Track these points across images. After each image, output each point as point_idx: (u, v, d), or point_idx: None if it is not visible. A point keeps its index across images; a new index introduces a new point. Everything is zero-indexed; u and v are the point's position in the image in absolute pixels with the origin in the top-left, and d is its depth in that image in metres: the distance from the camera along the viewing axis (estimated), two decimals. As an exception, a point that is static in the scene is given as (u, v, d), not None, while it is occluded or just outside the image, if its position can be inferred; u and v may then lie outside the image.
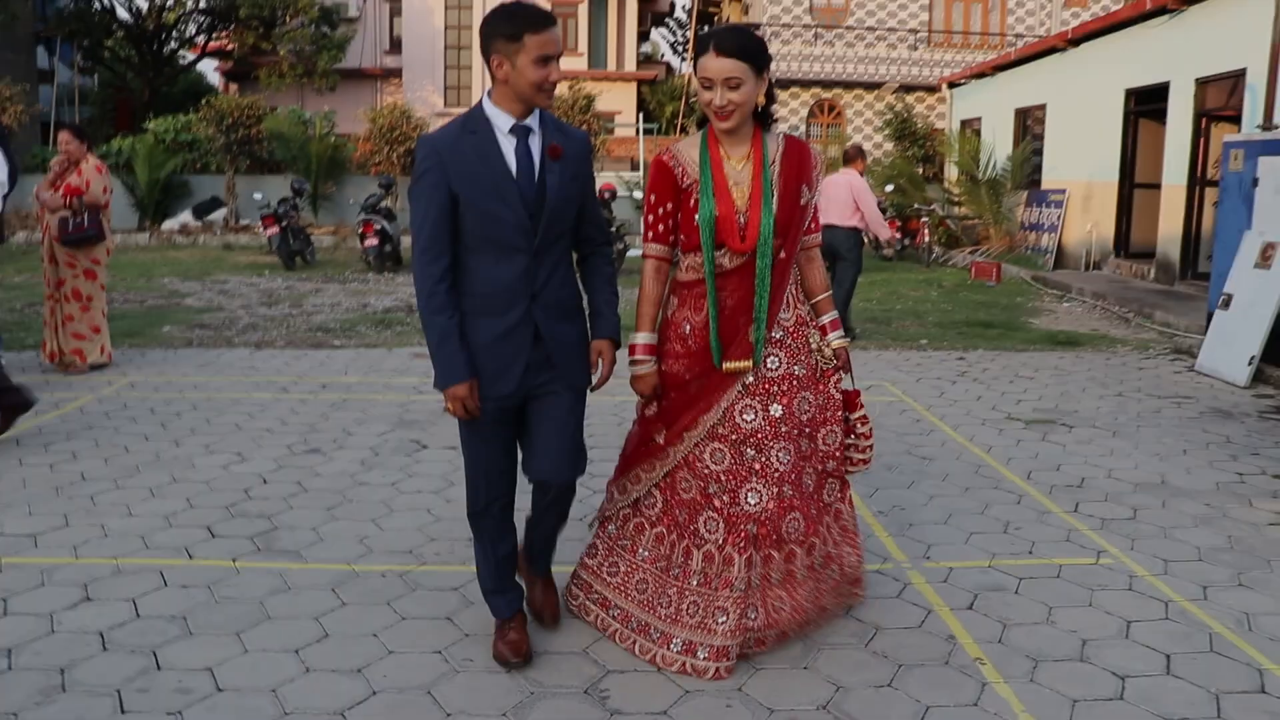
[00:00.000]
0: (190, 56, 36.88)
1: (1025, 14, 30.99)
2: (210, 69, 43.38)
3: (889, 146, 28.74)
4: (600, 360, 3.64)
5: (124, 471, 5.87)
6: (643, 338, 3.68)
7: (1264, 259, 9.00)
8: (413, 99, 34.55)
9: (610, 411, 7.31)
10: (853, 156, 10.94)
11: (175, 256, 19.73)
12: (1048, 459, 6.45)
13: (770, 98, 3.56)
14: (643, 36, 45.05)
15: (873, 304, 13.73)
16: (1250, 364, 8.74)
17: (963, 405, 7.92)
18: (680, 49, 53.33)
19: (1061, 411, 7.74)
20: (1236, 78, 13.72)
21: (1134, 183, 17.42)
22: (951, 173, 24.35)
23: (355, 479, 5.82)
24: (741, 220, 3.50)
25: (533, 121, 3.42)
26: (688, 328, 3.64)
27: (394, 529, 5.04)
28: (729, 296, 3.56)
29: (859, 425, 3.87)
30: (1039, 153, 20.95)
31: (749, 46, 3.43)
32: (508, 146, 3.38)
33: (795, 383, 3.65)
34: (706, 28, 42.90)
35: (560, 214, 3.45)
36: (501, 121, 3.39)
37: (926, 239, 20.27)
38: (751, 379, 3.59)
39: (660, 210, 3.62)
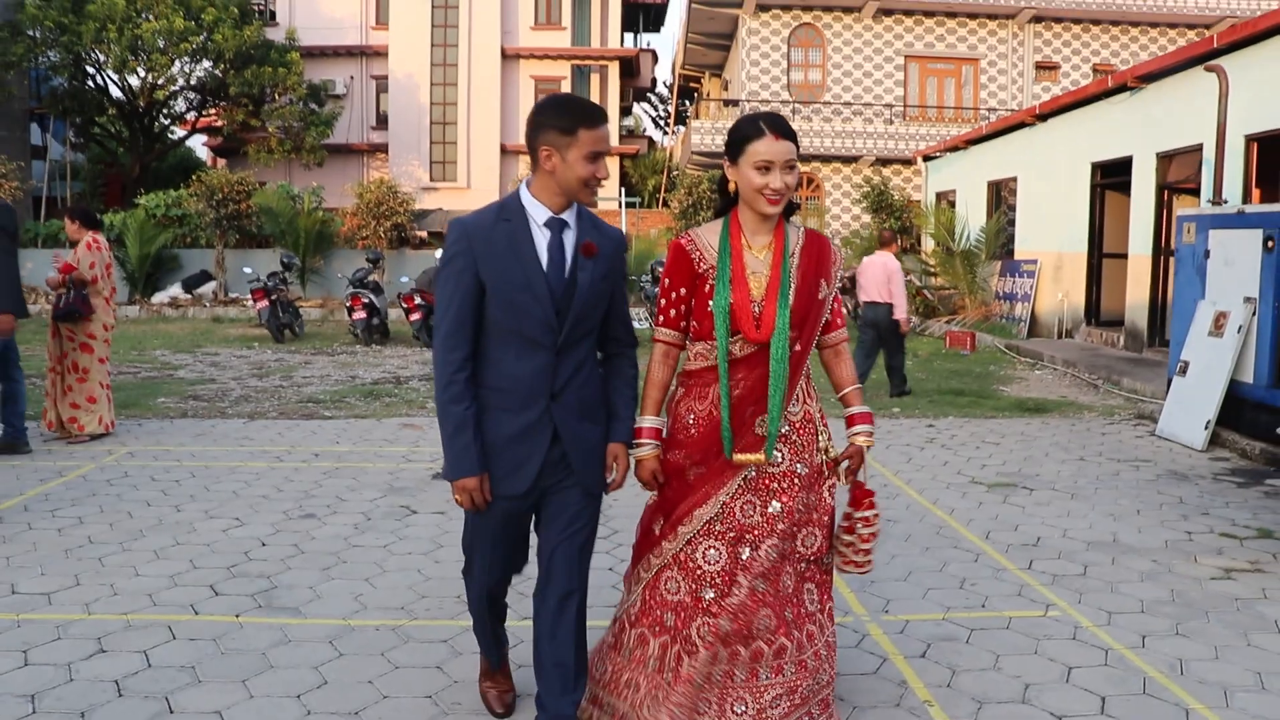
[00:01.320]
0: (180, 132, 37.47)
1: (997, 88, 31.80)
2: (199, 144, 44.01)
3: (866, 219, 29.35)
4: (615, 464, 3.56)
5: (129, 535, 6.17)
6: (647, 422, 3.60)
7: (1217, 327, 9.42)
8: (398, 174, 35.21)
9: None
10: (888, 240, 12.39)
11: (166, 329, 20.08)
12: (1007, 520, 6.80)
13: (805, 180, 3.62)
14: (625, 111, 45.92)
15: (848, 373, 14.09)
16: (1206, 428, 9.13)
17: (929, 470, 8.27)
18: (662, 123, 54.24)
19: (1023, 475, 8.10)
20: (1195, 152, 14.26)
21: (1102, 253, 17.98)
22: (928, 244, 24.93)
23: (349, 541, 6.12)
24: (756, 310, 3.42)
25: (569, 216, 3.39)
26: (691, 417, 3.54)
27: (386, 587, 5.35)
28: (737, 385, 3.47)
29: (860, 526, 3.67)
30: (1011, 224, 21.54)
31: (792, 130, 3.45)
32: (541, 239, 3.35)
33: (797, 481, 3.52)
34: (688, 103, 44.03)
35: (588, 313, 3.39)
36: (538, 213, 3.36)
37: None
38: (753, 473, 3.49)
39: (674, 295, 3.55)
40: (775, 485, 3.50)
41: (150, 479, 7.59)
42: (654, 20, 47.14)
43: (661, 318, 3.59)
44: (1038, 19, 31.41)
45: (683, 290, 3.54)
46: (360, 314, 17.64)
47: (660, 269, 17.73)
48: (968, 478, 8.01)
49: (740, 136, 3.43)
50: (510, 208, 3.37)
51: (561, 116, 3.27)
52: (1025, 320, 19.77)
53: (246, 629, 4.73)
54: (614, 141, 38.56)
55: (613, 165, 38.08)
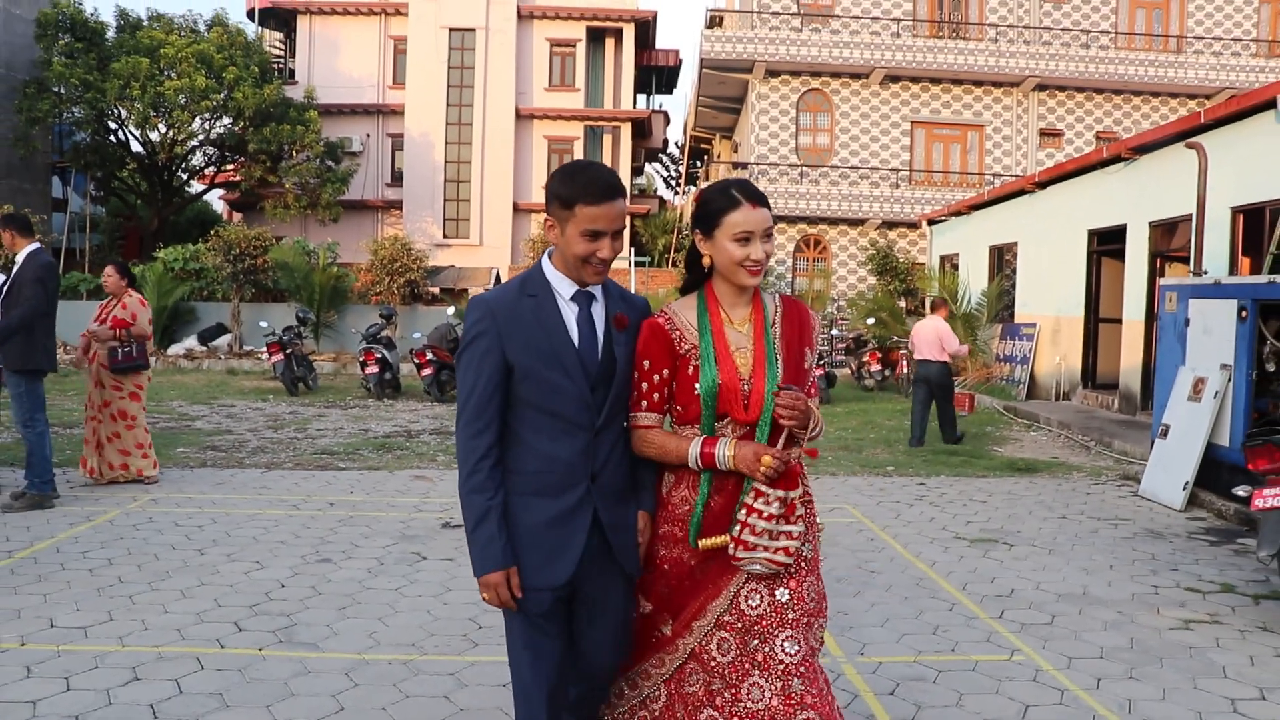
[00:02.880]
0: (199, 187, 38.28)
1: (1002, 154, 32.39)
2: (215, 198, 44.85)
3: (872, 280, 29.89)
4: (641, 536, 3.29)
5: (156, 575, 6.58)
6: None
7: (1195, 392, 9.82)
8: (412, 230, 35.88)
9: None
10: (938, 305, 14.44)
11: (181, 380, 20.56)
12: (984, 573, 7.17)
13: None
14: (637, 171, 46.67)
15: (847, 433, 14.53)
16: (1185, 489, 9.50)
17: (915, 526, 8.65)
18: (674, 183, 55.03)
19: (1005, 531, 8.48)
20: (1184, 222, 14.73)
21: (1099, 317, 18.39)
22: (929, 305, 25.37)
23: (363, 584, 6.53)
24: (745, 389, 3.17)
25: (596, 289, 3.22)
26: (687, 509, 3.22)
27: (398, 625, 5.75)
28: (729, 474, 3.16)
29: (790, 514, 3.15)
30: (1012, 288, 22.00)
31: (765, 196, 3.26)
32: (569, 313, 3.16)
33: (804, 564, 3.19)
34: (699, 163, 44.75)
35: (623, 389, 3.23)
36: (564, 287, 3.17)
37: (905, 370, 21.13)
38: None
39: (655, 378, 3.25)
40: (783, 570, 3.14)
41: (174, 524, 8.01)
42: (666, 82, 48.03)
43: (644, 402, 3.26)
44: (1041, 87, 32.03)
45: (665, 372, 3.26)
46: (373, 369, 18.10)
47: None
48: (952, 533, 8.38)
49: (714, 209, 3.21)
50: (534, 281, 3.18)
51: (564, 186, 3.08)
52: (1024, 382, 20.16)
53: (269, 661, 5.13)
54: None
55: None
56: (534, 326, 3.09)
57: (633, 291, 3.89)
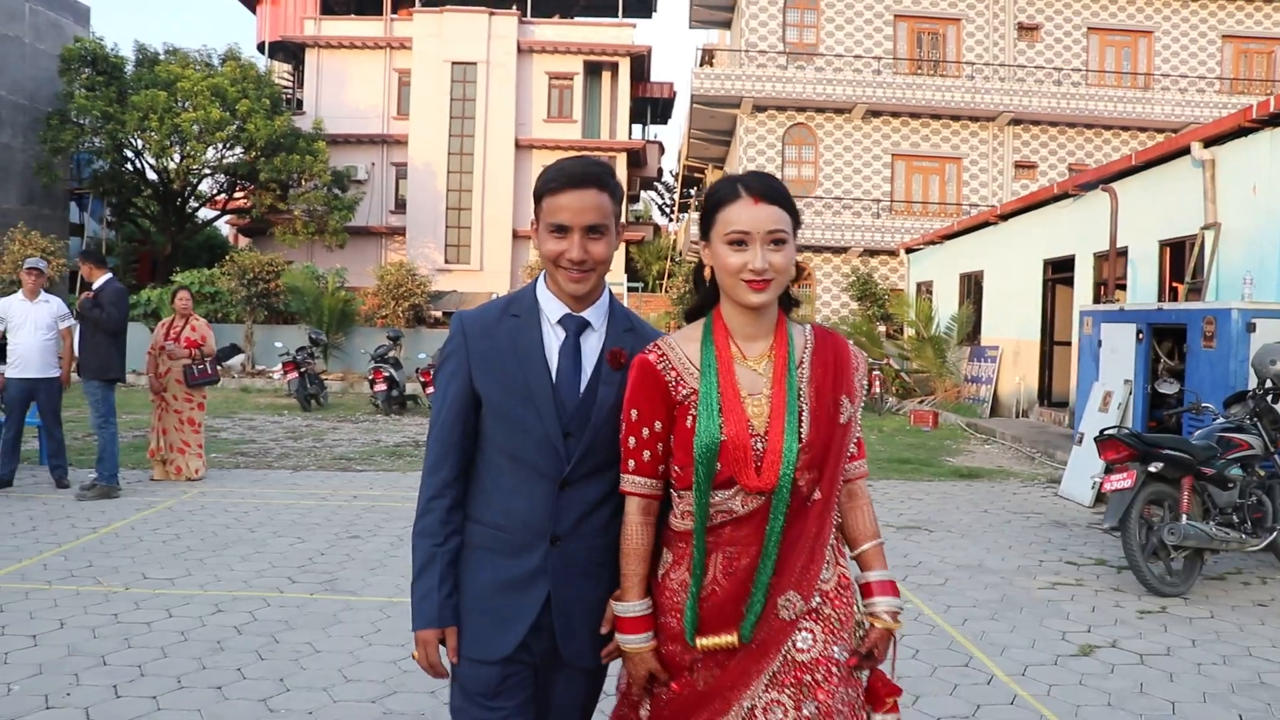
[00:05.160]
0: (211, 213, 39.81)
1: (979, 185, 33.96)
2: (223, 224, 46.39)
3: (854, 305, 31.41)
4: (605, 624, 2.71)
5: (217, 546, 8.04)
6: (632, 609, 2.61)
7: (1104, 404, 11.30)
8: (414, 256, 37.43)
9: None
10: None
11: (203, 397, 21.99)
12: (901, 550, 8.62)
13: (798, 271, 2.61)
14: (632, 199, 48.28)
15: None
16: (1093, 487, 10.95)
17: (855, 516, 10.09)
18: (668, 211, 56.66)
19: (931, 521, 9.93)
20: (1121, 255, 16.23)
21: (1054, 340, 19.90)
22: (909, 331, 26.91)
23: (387, 554, 7.98)
24: (759, 446, 2.47)
25: (594, 315, 2.69)
26: (684, 596, 2.57)
27: (418, 581, 7.22)
28: (741, 554, 2.50)
29: None
30: (979, 313, 23.51)
31: (788, 194, 2.54)
32: (553, 340, 2.67)
33: (835, 671, 2.53)
34: (692, 192, 46.32)
35: (608, 438, 2.63)
36: (551, 308, 2.69)
37: (878, 390, 22.59)
38: (779, 665, 2.51)
39: (644, 432, 2.57)
40: (810, 678, 2.51)
41: (224, 510, 9.47)
42: (661, 113, 49.64)
43: (631, 462, 2.59)
44: (1016, 121, 33.62)
45: (658, 425, 2.56)
46: (382, 386, 19.56)
47: None
48: (884, 523, 9.80)
49: (711, 203, 2.57)
50: (521, 301, 2.73)
51: (539, 181, 2.65)
52: (988, 401, 21.64)
53: (319, 601, 6.59)
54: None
55: (619, 251, 39.95)
56: (508, 353, 2.64)
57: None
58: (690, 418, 2.50)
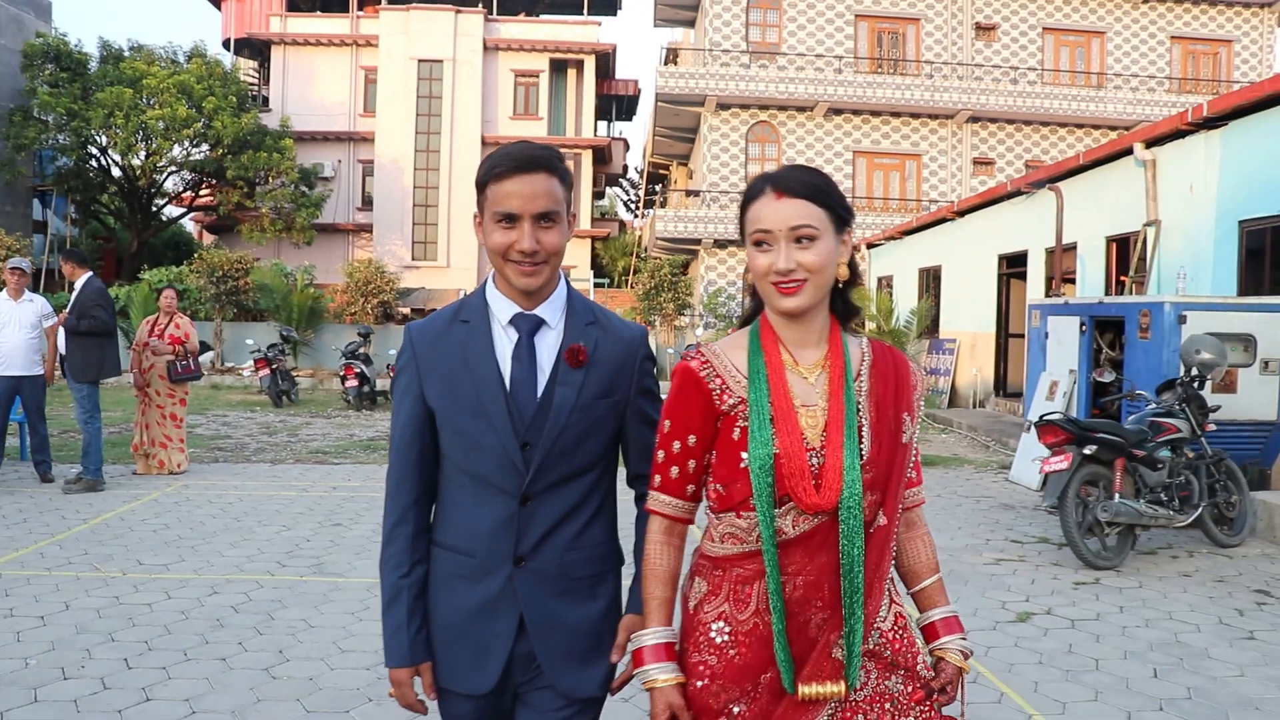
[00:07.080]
0: (176, 211, 39.87)
1: (938, 181, 34.63)
2: (188, 221, 46.39)
3: (816, 299, 31.88)
4: (615, 653, 2.55)
5: (206, 535, 8.43)
6: (656, 636, 2.36)
7: (1050, 393, 11.84)
8: (382, 253, 37.70)
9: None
10: None
11: (175, 394, 22.26)
12: (857, 532, 9.09)
13: (854, 274, 2.38)
14: (598, 195, 48.66)
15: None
16: (1040, 473, 11.47)
17: (814, 501, 10.59)
18: (633, 207, 57.12)
19: (886, 505, 10.41)
20: (1070, 249, 16.82)
21: (1009, 333, 20.49)
22: (869, 324, 27.45)
23: (370, 540, 8.39)
24: (815, 462, 2.23)
25: (548, 312, 2.49)
26: (727, 630, 2.28)
27: (400, 564, 7.64)
28: (791, 580, 2.24)
29: None
30: (937, 306, 24.08)
31: (824, 187, 2.29)
32: (504, 344, 2.46)
33: (891, 708, 2.30)
34: (658, 188, 46.77)
35: (572, 445, 2.45)
36: (502, 310, 2.48)
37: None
38: (832, 708, 2.26)
39: (675, 446, 2.35)
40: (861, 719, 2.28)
41: (208, 501, 9.85)
42: (626, 110, 49.99)
43: (658, 478, 2.38)
44: (974, 119, 34.30)
45: (692, 440, 2.34)
46: (353, 382, 19.92)
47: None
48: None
49: (743, 202, 2.36)
50: (471, 305, 2.53)
51: (479, 169, 2.45)
52: (946, 392, 22.22)
53: (309, 583, 7.01)
54: (585, 224, 41.17)
55: (584, 247, 40.73)
56: (458, 363, 2.46)
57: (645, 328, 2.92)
58: (738, 429, 2.26)
